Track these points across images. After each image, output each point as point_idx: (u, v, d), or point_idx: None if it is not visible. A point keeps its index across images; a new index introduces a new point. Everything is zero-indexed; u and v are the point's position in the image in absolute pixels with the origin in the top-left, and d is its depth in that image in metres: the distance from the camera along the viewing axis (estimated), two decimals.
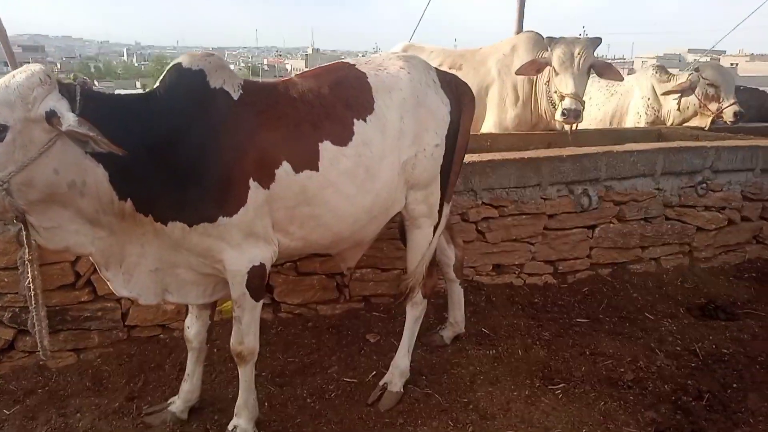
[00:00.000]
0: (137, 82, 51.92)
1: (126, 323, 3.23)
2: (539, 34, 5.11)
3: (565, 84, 4.41)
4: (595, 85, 6.47)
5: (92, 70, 67.77)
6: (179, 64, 2.31)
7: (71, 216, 2.15)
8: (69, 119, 1.96)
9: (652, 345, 3.47)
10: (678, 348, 3.46)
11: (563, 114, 4.37)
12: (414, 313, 3.00)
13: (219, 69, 2.32)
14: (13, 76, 2.00)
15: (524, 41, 5.14)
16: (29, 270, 2.21)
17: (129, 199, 2.18)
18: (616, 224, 4.24)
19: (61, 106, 1.98)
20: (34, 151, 1.98)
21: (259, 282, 2.43)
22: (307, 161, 2.37)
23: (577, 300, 3.98)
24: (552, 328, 3.62)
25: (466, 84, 3.03)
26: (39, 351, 2.25)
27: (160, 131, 2.17)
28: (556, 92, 4.52)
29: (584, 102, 4.48)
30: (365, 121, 2.50)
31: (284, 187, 2.34)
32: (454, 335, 3.44)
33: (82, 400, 2.90)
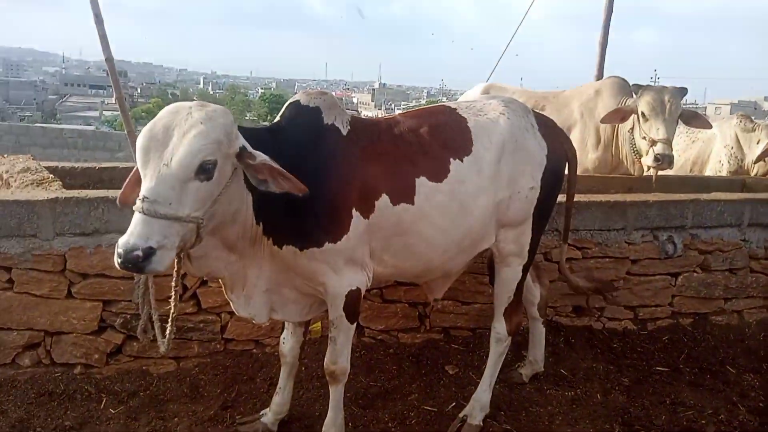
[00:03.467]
0: None
1: (224, 336, 3.42)
2: (624, 80, 5.14)
3: (656, 129, 4.40)
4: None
5: (170, 96, 70.46)
6: (297, 101, 2.52)
7: (215, 243, 2.29)
8: (262, 155, 2.13)
9: (734, 399, 3.42)
10: (761, 404, 3.39)
11: (656, 159, 4.33)
12: (498, 349, 3.06)
13: (332, 107, 2.52)
14: (212, 115, 2.03)
15: (609, 86, 5.18)
16: (150, 284, 2.44)
17: (261, 223, 2.36)
18: (699, 273, 4.19)
19: (245, 143, 2.14)
20: (223, 185, 2.10)
21: (355, 305, 2.58)
22: (404, 195, 2.52)
23: (657, 348, 3.94)
24: (631, 375, 3.60)
25: (562, 130, 3.13)
26: (160, 344, 2.38)
27: (283, 161, 2.32)
28: (644, 138, 4.48)
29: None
30: (462, 161, 2.64)
31: (382, 218, 2.49)
32: (533, 373, 3.47)
33: (179, 406, 3.07)
